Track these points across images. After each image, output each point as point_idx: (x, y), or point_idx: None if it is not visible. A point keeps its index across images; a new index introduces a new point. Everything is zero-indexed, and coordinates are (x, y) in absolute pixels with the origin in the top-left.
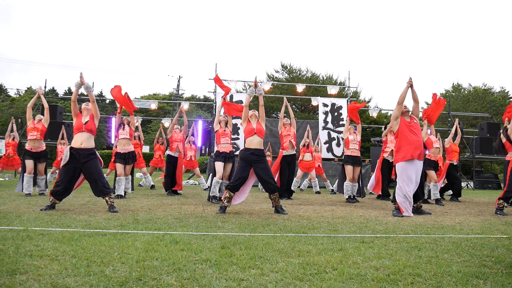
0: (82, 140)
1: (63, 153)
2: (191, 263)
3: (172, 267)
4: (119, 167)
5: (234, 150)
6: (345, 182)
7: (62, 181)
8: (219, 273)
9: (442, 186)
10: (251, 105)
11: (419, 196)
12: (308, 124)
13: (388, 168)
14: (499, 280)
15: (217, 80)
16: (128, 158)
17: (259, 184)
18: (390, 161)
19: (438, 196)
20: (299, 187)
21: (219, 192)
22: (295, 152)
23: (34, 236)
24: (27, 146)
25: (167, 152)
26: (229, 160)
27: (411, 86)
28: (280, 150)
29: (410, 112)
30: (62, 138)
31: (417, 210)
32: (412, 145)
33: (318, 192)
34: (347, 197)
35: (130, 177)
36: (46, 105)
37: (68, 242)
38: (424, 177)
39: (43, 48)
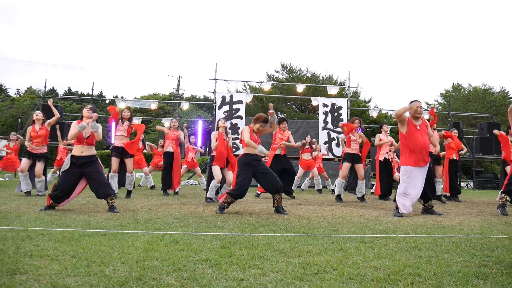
0: (83, 150)
1: (65, 158)
2: (191, 263)
3: (172, 267)
4: (114, 161)
5: (233, 150)
6: (337, 179)
7: (60, 186)
8: (219, 273)
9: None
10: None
11: (429, 196)
12: (314, 140)
13: (385, 167)
14: (499, 280)
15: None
16: (124, 153)
17: (258, 184)
18: (387, 158)
19: (439, 193)
20: (299, 186)
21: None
22: (285, 153)
23: (34, 236)
24: (29, 147)
25: (164, 150)
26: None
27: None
28: (271, 150)
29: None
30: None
31: (427, 210)
32: (419, 150)
33: (320, 190)
34: (337, 194)
35: (133, 174)
36: (57, 115)
37: (68, 242)
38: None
39: (45, 49)
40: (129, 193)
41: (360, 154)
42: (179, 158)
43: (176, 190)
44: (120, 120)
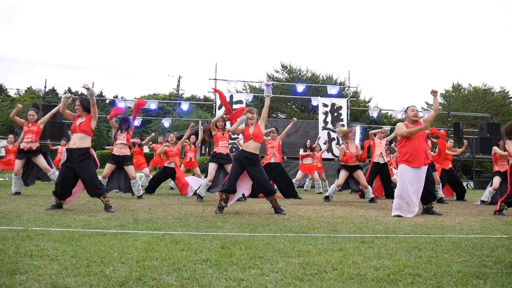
0: (75, 140)
1: (62, 154)
2: (191, 263)
3: (172, 267)
4: (108, 167)
5: (229, 152)
6: (332, 185)
7: (60, 181)
8: (219, 273)
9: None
10: (251, 105)
11: (429, 198)
12: (319, 136)
13: (378, 169)
14: (499, 280)
15: (221, 96)
16: (122, 161)
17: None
18: (381, 163)
19: (440, 196)
20: (301, 186)
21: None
22: (279, 161)
23: (34, 236)
24: (22, 145)
25: (165, 164)
26: (226, 161)
27: (435, 94)
28: (265, 159)
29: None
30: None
31: (427, 211)
32: (417, 151)
33: (320, 193)
34: (326, 195)
35: (137, 179)
36: (55, 109)
37: (68, 242)
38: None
39: (45, 49)
40: (140, 198)
41: (359, 163)
42: (180, 171)
43: (190, 194)
44: (120, 129)
